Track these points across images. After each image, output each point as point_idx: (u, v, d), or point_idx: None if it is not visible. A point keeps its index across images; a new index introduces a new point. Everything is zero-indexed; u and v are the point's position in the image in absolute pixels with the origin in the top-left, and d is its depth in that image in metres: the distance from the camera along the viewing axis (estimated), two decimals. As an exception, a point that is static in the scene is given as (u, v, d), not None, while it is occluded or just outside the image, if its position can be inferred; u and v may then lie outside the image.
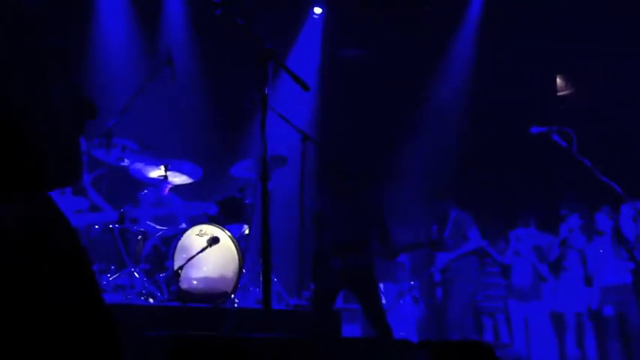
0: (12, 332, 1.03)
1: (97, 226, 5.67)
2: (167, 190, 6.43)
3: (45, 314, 1.07)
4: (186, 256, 5.33)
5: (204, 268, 5.41)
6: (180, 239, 5.48)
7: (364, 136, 9.53)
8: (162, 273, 5.53)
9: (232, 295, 5.37)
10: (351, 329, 7.21)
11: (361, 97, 9.60)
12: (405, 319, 8.39)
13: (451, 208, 7.61)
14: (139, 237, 5.89)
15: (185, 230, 5.57)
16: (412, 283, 8.62)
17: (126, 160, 6.05)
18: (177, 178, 6.48)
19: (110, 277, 5.51)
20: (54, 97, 1.16)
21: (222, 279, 5.40)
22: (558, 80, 10.50)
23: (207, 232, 5.47)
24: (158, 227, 6.01)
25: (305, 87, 3.72)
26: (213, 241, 5.38)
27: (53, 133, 1.15)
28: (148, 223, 5.90)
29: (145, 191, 6.29)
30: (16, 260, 1.03)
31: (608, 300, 7.25)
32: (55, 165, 1.16)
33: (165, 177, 6.25)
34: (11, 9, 1.15)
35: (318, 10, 9.97)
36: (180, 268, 5.26)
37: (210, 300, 5.26)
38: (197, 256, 5.31)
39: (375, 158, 9.21)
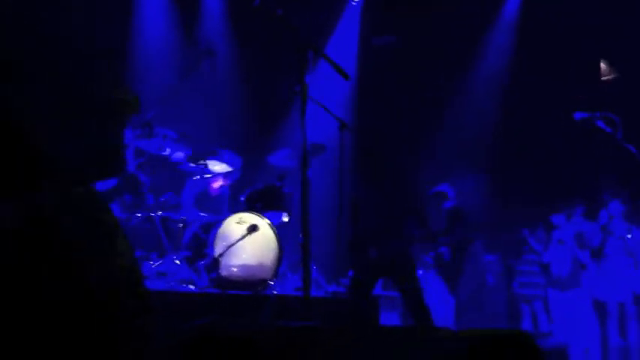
0: (10, 331, 1.05)
1: (138, 215, 5.76)
2: (218, 184, 6.48)
3: (42, 314, 1.08)
4: (225, 244, 5.40)
5: (244, 256, 5.47)
6: (220, 227, 5.54)
7: (401, 124, 9.47)
8: (202, 260, 5.60)
9: (271, 283, 5.42)
10: (390, 317, 7.21)
11: (398, 85, 9.55)
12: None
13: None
14: (180, 225, 5.98)
15: (225, 218, 5.63)
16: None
17: (167, 150, 6.13)
18: (217, 167, 6.54)
19: (152, 264, 5.61)
20: (92, 95, 1.18)
21: (261, 266, 5.46)
22: (602, 65, 10.28)
23: (247, 220, 5.53)
24: (201, 214, 6.08)
25: (345, 75, 3.72)
26: (253, 229, 5.44)
27: (91, 128, 1.17)
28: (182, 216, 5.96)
29: (196, 178, 6.34)
30: (15, 260, 1.05)
31: None
32: (98, 158, 1.18)
33: (205, 165, 6.31)
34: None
35: (356, -1, 9.92)
36: (220, 255, 5.33)
37: (249, 287, 5.33)
38: (236, 244, 5.37)
39: (410, 145, 9.16)
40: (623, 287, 7.40)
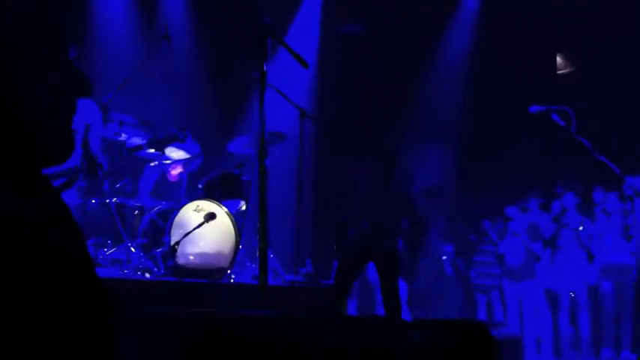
0: (8, 333, 1.02)
1: (93, 201, 5.67)
2: (176, 172, 6.40)
3: (42, 315, 1.06)
4: (183, 232, 5.34)
5: (201, 244, 5.43)
6: (177, 214, 5.49)
7: (362, 113, 9.50)
8: (159, 248, 5.54)
9: (229, 271, 5.39)
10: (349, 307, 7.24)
11: (360, 73, 9.56)
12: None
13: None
14: (136, 212, 5.91)
15: (182, 206, 5.58)
16: None
17: (123, 135, 6.03)
18: (175, 154, 6.47)
19: (107, 251, 5.53)
20: (48, 76, 1.15)
21: (218, 255, 5.42)
22: (558, 59, 10.45)
23: (205, 208, 5.48)
24: (157, 202, 6.01)
25: (304, 64, 3.71)
26: (210, 216, 5.39)
27: (46, 112, 1.13)
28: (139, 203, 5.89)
29: (153, 164, 6.26)
30: (14, 260, 1.02)
31: (608, 277, 7.29)
32: (47, 143, 1.14)
33: (163, 152, 6.23)
34: None
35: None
36: (177, 243, 5.28)
37: (206, 275, 5.29)
38: (194, 232, 5.32)
39: (373, 134, 9.18)
40: (576, 278, 7.57)
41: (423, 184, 8.10)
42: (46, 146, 1.15)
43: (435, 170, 8.66)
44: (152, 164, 6.30)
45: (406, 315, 7.93)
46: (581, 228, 7.53)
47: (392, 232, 5.63)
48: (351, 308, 7.48)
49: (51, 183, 1.16)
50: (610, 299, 7.27)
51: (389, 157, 5.88)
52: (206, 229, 5.38)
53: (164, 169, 6.29)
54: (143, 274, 5.41)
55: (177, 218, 5.47)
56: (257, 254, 4.45)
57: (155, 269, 5.50)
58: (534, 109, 5.42)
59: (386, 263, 5.59)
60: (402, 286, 8.08)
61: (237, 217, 5.59)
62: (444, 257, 8.52)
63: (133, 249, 5.53)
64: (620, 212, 7.20)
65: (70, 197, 3.15)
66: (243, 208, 6.02)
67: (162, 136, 5.85)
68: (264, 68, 3.49)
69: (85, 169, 3.36)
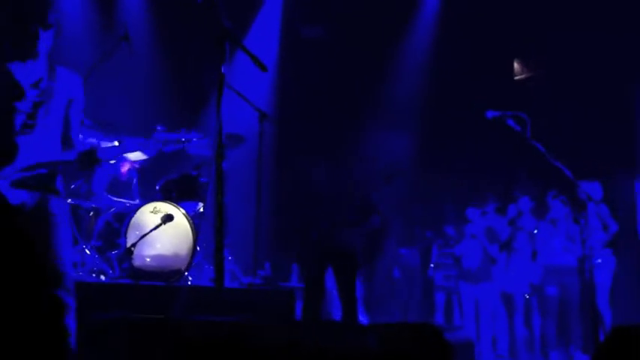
0: None
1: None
2: (126, 168, 6.32)
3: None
4: (139, 234, 5.29)
5: (158, 246, 5.38)
6: (133, 216, 5.43)
7: (323, 115, 9.51)
8: (114, 250, 5.47)
9: (186, 273, 5.34)
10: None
11: (321, 76, 9.57)
12: None
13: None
14: (91, 213, 5.82)
15: (139, 207, 5.51)
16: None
17: (80, 136, 5.92)
18: (132, 155, 6.38)
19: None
20: None
21: (175, 257, 5.38)
22: (515, 64, 10.61)
23: (162, 210, 5.43)
24: (114, 199, 5.92)
25: (263, 67, 3.69)
26: (168, 218, 5.34)
27: None
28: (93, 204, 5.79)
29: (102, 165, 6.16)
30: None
31: (552, 280, 7.43)
32: None
33: (120, 150, 6.13)
34: None
35: (278, -14, 9.88)
36: (133, 245, 5.22)
37: (163, 278, 5.24)
38: (150, 234, 5.27)
39: (334, 137, 9.18)
40: (526, 278, 7.73)
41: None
42: None
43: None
44: (105, 165, 6.21)
45: (363, 318, 7.97)
46: (535, 231, 7.66)
47: (351, 233, 5.65)
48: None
49: None
50: (554, 300, 7.43)
51: (347, 157, 5.90)
52: (163, 231, 5.33)
53: (116, 168, 6.19)
54: (98, 276, 5.33)
55: (133, 220, 5.41)
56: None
57: (110, 271, 5.43)
58: (490, 114, 5.50)
59: (345, 264, 5.60)
60: (359, 288, 8.11)
61: (194, 219, 5.55)
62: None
63: (87, 251, 5.45)
64: (565, 217, 7.36)
65: (22, 198, 3.10)
66: (201, 210, 5.98)
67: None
68: (222, 70, 3.47)
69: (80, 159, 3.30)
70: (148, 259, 5.32)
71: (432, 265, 8.58)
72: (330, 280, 5.83)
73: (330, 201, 5.66)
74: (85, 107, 5.04)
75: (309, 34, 10.11)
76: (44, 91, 3.30)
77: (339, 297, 5.67)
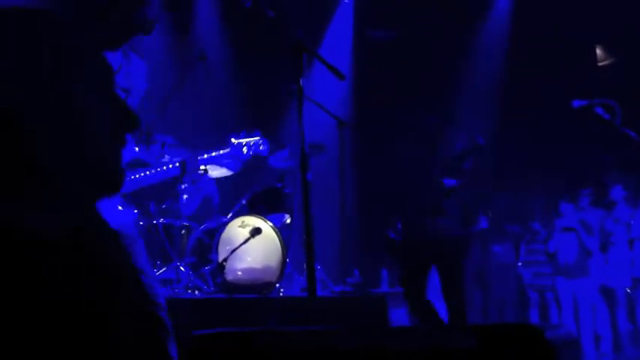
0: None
1: (141, 223, 5.75)
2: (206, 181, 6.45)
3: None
4: (230, 248, 5.38)
5: (248, 259, 5.46)
6: (223, 231, 5.54)
7: (398, 119, 9.46)
8: (207, 266, 5.59)
9: (277, 285, 5.41)
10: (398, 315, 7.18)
11: (395, 80, 9.53)
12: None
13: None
14: (183, 231, 5.97)
15: (228, 222, 5.62)
16: None
17: (166, 157, 6.09)
18: (217, 172, 6.51)
19: (157, 272, 5.60)
20: (99, 107, 1.17)
21: (266, 269, 5.44)
22: (598, 51, 10.26)
23: (250, 223, 5.51)
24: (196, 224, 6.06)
25: (340, 76, 3.70)
26: (256, 231, 5.42)
27: (97, 143, 1.15)
28: (185, 222, 5.92)
29: (184, 186, 6.31)
30: (63, 276, 1.04)
31: None
32: (95, 176, 1.16)
33: (206, 171, 6.27)
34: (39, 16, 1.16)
35: (348, -5, 9.93)
36: (225, 260, 5.32)
37: (255, 290, 5.31)
38: (241, 248, 5.36)
39: (409, 142, 9.13)
40: (628, 271, 7.40)
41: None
42: (102, 179, 1.17)
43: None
44: (183, 186, 6.34)
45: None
46: (632, 221, 7.36)
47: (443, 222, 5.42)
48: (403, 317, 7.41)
49: (101, 217, 1.18)
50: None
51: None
52: (252, 244, 5.41)
53: (197, 186, 6.31)
54: (193, 292, 5.46)
55: (223, 235, 5.51)
56: (304, 267, 4.45)
57: (205, 287, 5.55)
58: (577, 103, 5.33)
59: (446, 259, 5.37)
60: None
61: (282, 231, 5.61)
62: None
63: (182, 268, 5.59)
64: None
65: (124, 219, 3.18)
66: (288, 221, 6.04)
67: None
68: (301, 82, 3.50)
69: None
70: (240, 273, 5.41)
71: (519, 264, 8.35)
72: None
73: (414, 186, 5.50)
74: (167, 127, 5.17)
75: (377, 36, 10.09)
76: (126, 79, 3.14)
77: (443, 294, 5.42)
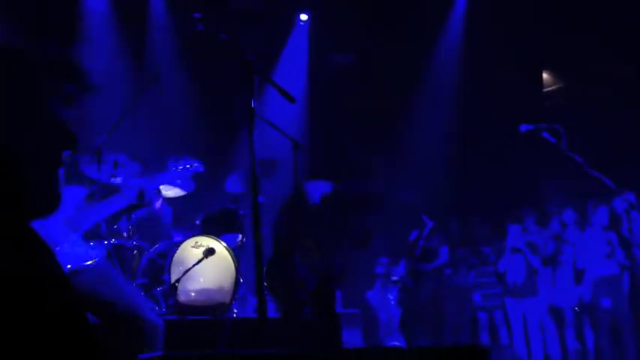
0: None
1: (91, 243, 5.66)
2: (159, 203, 6.43)
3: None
4: (182, 269, 5.34)
5: (202, 280, 5.43)
6: (176, 252, 5.49)
7: (353, 141, 9.57)
8: (159, 287, 5.54)
9: (231, 306, 5.39)
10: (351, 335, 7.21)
11: (350, 102, 9.65)
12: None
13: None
14: (135, 252, 5.91)
15: (180, 243, 5.59)
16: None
17: (118, 178, 6.05)
18: (170, 192, 6.49)
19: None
20: (34, 128, 1.18)
21: (219, 290, 5.42)
22: (545, 76, 10.54)
23: (203, 244, 5.49)
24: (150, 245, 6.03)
25: (290, 99, 3.75)
26: (209, 252, 5.39)
27: (32, 164, 1.16)
28: (137, 243, 5.89)
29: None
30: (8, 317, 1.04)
31: (602, 292, 7.24)
32: (32, 196, 1.17)
33: (159, 191, 6.26)
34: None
35: (304, 17, 10.02)
36: (177, 280, 5.28)
37: (208, 311, 5.28)
38: (194, 268, 5.33)
39: (364, 163, 9.25)
40: (575, 293, 7.55)
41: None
42: (32, 200, 1.17)
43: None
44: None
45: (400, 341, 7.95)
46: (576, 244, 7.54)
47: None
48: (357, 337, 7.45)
49: (37, 235, 1.18)
50: (608, 313, 7.19)
51: None
52: (206, 265, 5.38)
53: (150, 207, 6.29)
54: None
55: (176, 255, 5.47)
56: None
57: (157, 308, 5.49)
58: (524, 127, 5.48)
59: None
60: (397, 310, 8.13)
61: (236, 251, 5.60)
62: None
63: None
64: (607, 226, 7.23)
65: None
66: (241, 241, 6.03)
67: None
68: (252, 104, 3.53)
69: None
70: (193, 294, 5.38)
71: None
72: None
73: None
74: (118, 146, 5.15)
75: (337, 60, 10.21)
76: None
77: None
